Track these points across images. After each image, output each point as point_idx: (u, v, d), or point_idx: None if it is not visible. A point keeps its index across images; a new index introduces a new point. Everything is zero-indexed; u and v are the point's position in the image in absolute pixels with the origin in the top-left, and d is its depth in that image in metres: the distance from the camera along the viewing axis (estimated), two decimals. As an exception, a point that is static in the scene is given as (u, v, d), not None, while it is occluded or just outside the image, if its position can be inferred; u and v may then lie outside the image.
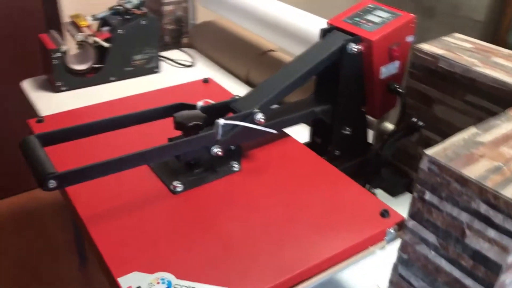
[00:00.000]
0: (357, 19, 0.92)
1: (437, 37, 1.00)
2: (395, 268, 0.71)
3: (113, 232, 0.67)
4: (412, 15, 0.90)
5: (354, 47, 0.87)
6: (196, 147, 0.76)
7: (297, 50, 1.33)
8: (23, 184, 2.07)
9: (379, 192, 1.03)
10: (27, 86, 1.40)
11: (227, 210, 0.72)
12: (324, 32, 0.92)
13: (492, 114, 0.85)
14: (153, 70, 1.49)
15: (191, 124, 0.76)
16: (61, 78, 1.34)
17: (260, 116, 0.81)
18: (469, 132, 0.66)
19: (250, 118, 0.80)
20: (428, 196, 0.63)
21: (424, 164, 0.62)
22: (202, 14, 1.76)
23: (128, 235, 0.67)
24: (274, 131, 0.82)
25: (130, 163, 0.69)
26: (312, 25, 1.28)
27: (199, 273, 0.62)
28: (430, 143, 0.99)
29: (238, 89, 1.43)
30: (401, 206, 0.75)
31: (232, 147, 0.84)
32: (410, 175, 1.03)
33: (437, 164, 0.60)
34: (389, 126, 1.11)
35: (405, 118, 0.93)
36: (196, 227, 0.69)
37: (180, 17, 1.78)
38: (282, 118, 0.87)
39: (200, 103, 0.82)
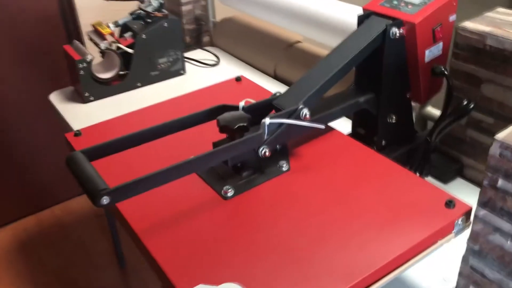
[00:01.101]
0: (395, 2, 0.88)
1: (464, 13, 0.95)
2: (465, 260, 0.67)
3: (171, 244, 0.65)
4: (455, -8, 0.86)
5: (396, 32, 0.83)
6: (244, 150, 0.74)
7: (323, 38, 1.30)
8: (49, 198, 2.07)
9: (429, 180, 0.99)
10: (55, 98, 1.38)
11: (284, 212, 0.69)
12: (362, 19, 0.88)
13: (550, 90, 0.81)
14: (179, 72, 1.46)
15: (236, 126, 0.73)
16: (88, 88, 1.32)
17: (305, 112, 0.77)
18: (538, 112, 0.62)
19: (295, 114, 0.77)
20: (500, 183, 0.59)
21: (494, 150, 0.58)
22: (221, 11, 1.73)
23: (186, 245, 0.65)
24: (322, 126, 0.78)
25: (180, 172, 0.67)
26: (337, 11, 1.25)
27: (267, 281, 0.59)
28: (480, 125, 0.95)
29: (267, 85, 1.40)
30: (453, 192, 0.72)
31: (278, 146, 0.81)
32: (461, 160, 0.99)
33: (510, 149, 0.56)
34: (432, 110, 1.07)
35: (453, 102, 0.89)
36: (254, 233, 0.66)
37: (199, 16, 1.76)
38: (326, 112, 0.84)
39: (242, 104, 0.79)
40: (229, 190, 0.73)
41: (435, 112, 1.06)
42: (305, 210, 0.70)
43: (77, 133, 0.90)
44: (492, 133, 0.92)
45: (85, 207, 2.10)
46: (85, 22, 1.78)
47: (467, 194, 0.75)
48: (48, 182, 2.02)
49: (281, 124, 0.76)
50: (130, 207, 0.70)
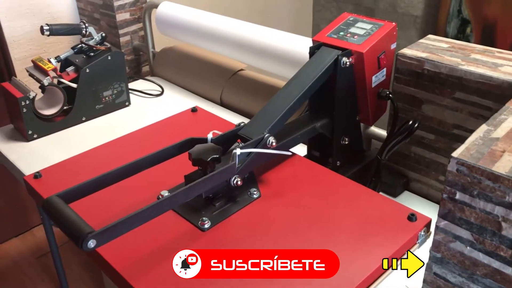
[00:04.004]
0: (341, 33, 0.95)
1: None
2: (428, 268, 0.73)
3: (159, 282, 0.65)
4: (394, 23, 0.94)
5: (346, 61, 0.90)
6: (218, 181, 0.76)
7: (266, 65, 1.35)
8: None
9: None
10: (-6, 139, 1.32)
11: (265, 238, 0.72)
12: (313, 50, 0.94)
13: (482, 107, 0.91)
14: (124, 104, 1.46)
15: (209, 158, 0.75)
16: (31, 125, 1.28)
17: (272, 140, 0.81)
18: (482, 130, 0.70)
19: (262, 143, 0.81)
20: (458, 196, 0.66)
21: (452, 167, 0.65)
22: (159, 41, 1.75)
23: (175, 281, 0.65)
24: (289, 153, 0.83)
25: (162, 209, 0.68)
26: (277, 39, 1.31)
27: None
28: (423, 142, 1.04)
29: (215, 113, 1.43)
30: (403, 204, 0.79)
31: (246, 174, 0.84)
32: (406, 174, 1.07)
33: (466, 165, 0.64)
34: (376, 130, 1.15)
35: (398, 122, 0.97)
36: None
37: (137, 46, 1.76)
38: (288, 138, 0.88)
39: (210, 135, 0.82)
40: (206, 222, 0.75)
41: (379, 131, 1.15)
42: (284, 234, 0.73)
43: (37, 175, 0.87)
44: (433, 148, 1.01)
45: (21, 248, 1.99)
46: (17, 57, 1.72)
47: (415, 206, 0.81)
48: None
49: (250, 153, 0.80)
50: (109, 250, 0.69)
